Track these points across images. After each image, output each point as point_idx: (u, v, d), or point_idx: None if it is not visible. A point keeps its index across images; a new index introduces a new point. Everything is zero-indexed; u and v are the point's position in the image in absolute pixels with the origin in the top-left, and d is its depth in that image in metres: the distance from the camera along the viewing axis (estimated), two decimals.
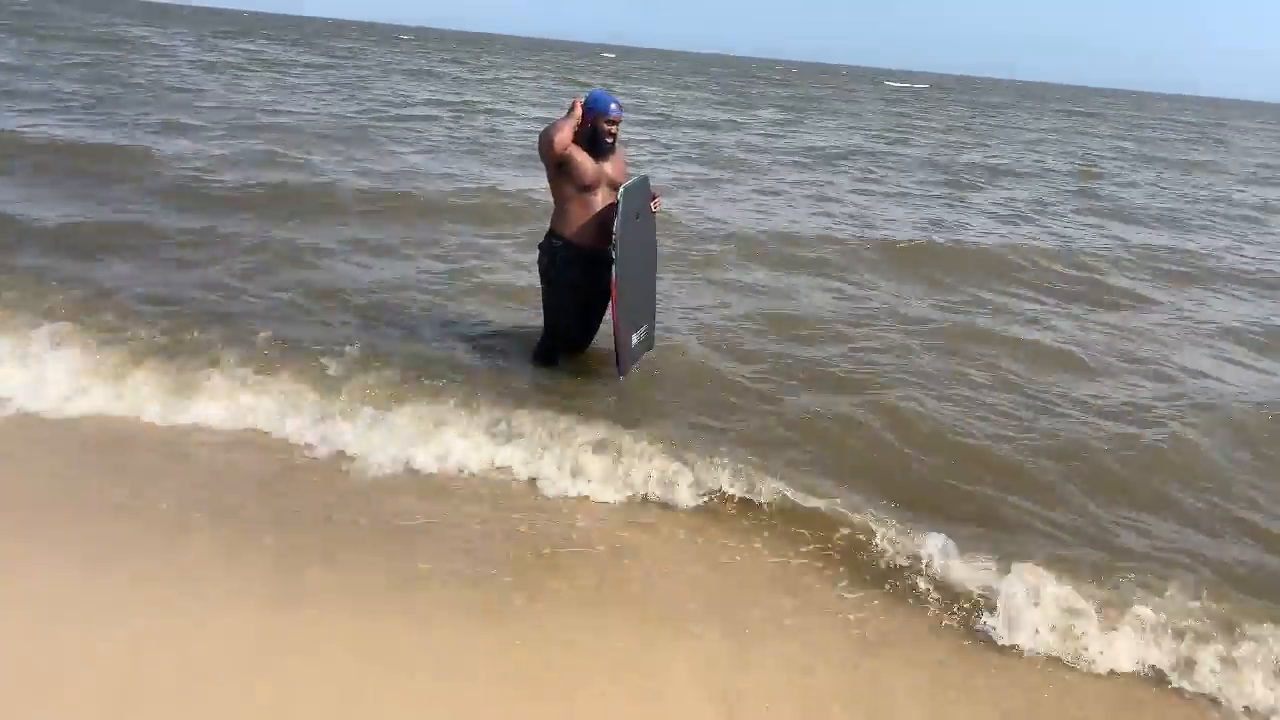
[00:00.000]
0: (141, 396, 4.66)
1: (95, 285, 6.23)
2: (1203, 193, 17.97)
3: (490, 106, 23.44)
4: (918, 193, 14.36)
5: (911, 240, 9.92)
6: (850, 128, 27.65)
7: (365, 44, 63.64)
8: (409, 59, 47.11)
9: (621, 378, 5.07)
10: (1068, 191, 16.08)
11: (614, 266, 4.72)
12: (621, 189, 4.82)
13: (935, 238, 10.24)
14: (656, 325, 5.60)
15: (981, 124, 35.64)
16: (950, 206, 13.27)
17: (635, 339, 5.11)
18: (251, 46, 42.07)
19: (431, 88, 28.58)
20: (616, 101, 4.95)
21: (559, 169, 4.86)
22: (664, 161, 15.43)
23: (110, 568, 3.39)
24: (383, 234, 8.58)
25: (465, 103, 23.65)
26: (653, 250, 5.37)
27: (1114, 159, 24.12)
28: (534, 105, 25.54)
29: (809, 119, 29.90)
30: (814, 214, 11.53)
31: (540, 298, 5.21)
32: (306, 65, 33.86)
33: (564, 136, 4.75)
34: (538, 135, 4.84)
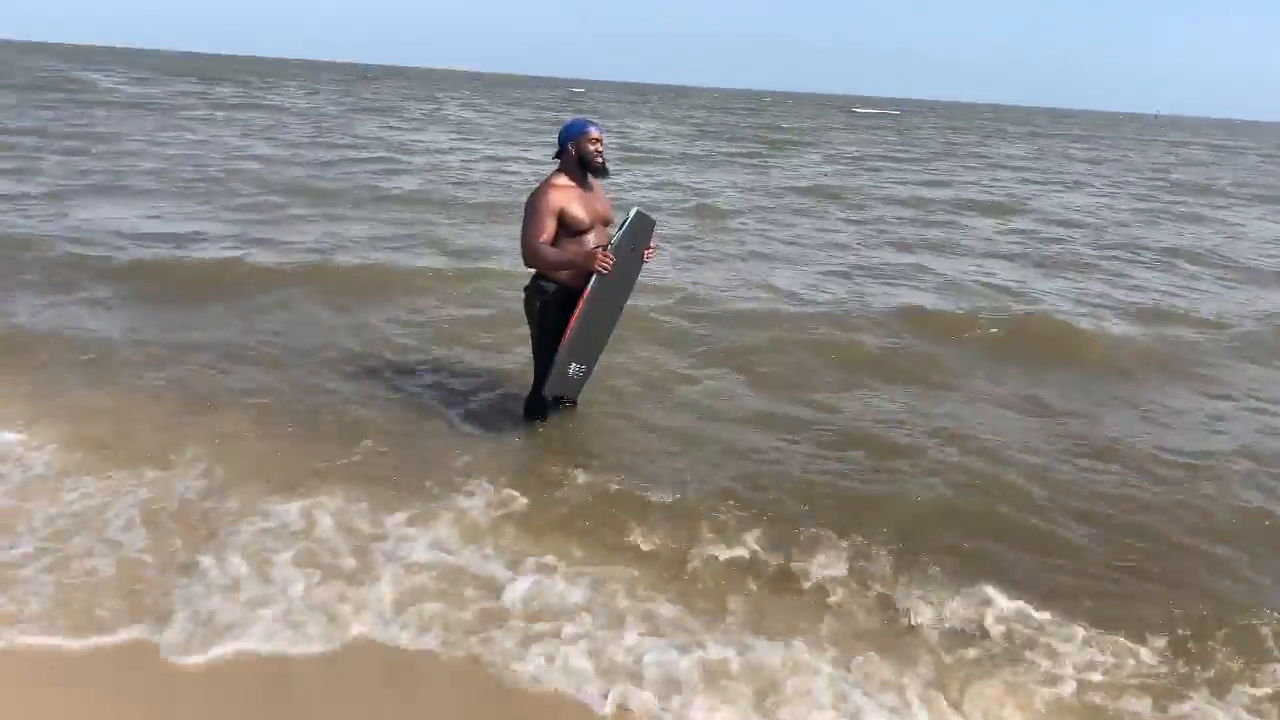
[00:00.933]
0: None
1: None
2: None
3: (490, 152, 21.94)
4: (974, 243, 12.55)
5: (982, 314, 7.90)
6: (846, 158, 26.44)
7: (321, 84, 62.43)
8: (384, 98, 45.75)
9: (548, 395, 4.74)
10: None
11: (593, 278, 4.40)
12: (635, 210, 4.60)
13: (1006, 308, 8.31)
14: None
15: (974, 149, 34.56)
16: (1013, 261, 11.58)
17: (572, 369, 4.69)
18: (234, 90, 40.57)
19: (396, 125, 27.18)
20: (592, 121, 4.71)
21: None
22: (656, 207, 13.95)
23: None
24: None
25: (457, 147, 22.16)
26: (627, 293, 4.94)
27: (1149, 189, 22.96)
28: (520, 146, 24.10)
29: (795, 150, 28.64)
30: (833, 273, 9.86)
31: (530, 346, 4.83)
32: (278, 108, 32.37)
33: (547, 232, 4.45)
34: (521, 249, 4.51)
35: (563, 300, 4.55)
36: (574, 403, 5.13)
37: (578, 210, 4.49)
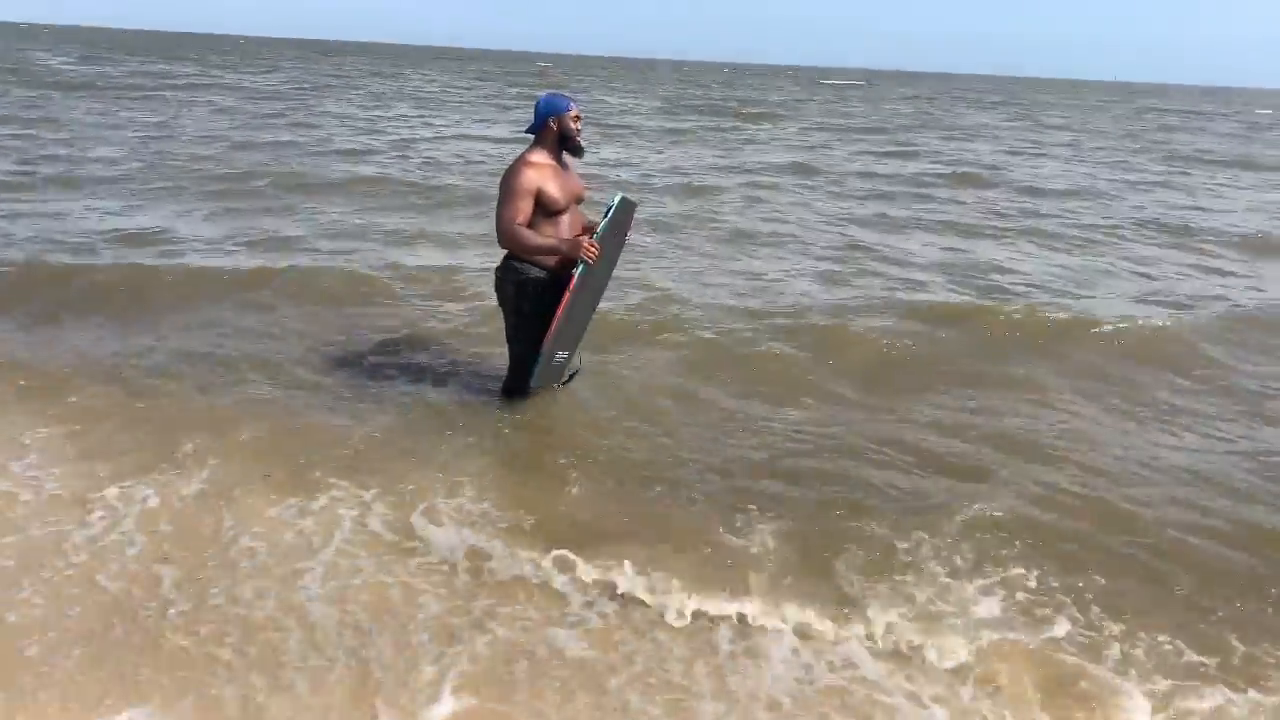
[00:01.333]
0: None
1: None
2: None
3: (459, 130, 21.36)
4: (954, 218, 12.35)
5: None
6: (824, 129, 26.10)
7: (282, 61, 61.04)
8: (343, 76, 44.70)
9: (535, 385, 4.55)
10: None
11: (579, 267, 4.23)
12: (620, 196, 4.43)
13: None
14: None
15: (954, 120, 34.30)
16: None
17: (559, 357, 4.58)
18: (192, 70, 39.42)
19: (361, 102, 26.49)
20: (571, 97, 4.55)
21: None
22: (633, 185, 13.53)
23: None
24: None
25: (425, 123, 21.57)
26: (608, 277, 4.89)
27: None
28: (488, 123, 23.51)
29: (771, 123, 28.18)
30: (830, 257, 9.36)
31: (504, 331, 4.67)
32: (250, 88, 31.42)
33: (524, 214, 4.29)
34: (497, 231, 4.34)
35: (543, 284, 4.40)
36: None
37: (554, 190, 4.35)
